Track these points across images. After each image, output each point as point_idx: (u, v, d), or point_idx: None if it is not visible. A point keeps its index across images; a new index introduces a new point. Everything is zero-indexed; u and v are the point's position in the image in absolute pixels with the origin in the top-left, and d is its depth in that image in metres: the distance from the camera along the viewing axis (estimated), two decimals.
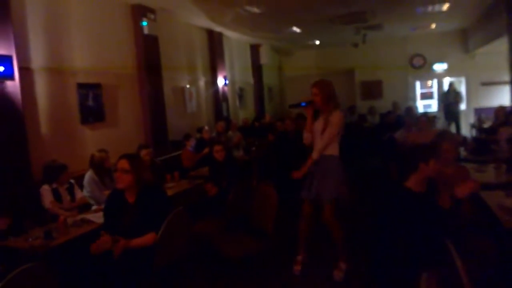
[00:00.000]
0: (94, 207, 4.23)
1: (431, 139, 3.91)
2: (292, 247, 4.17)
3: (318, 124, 3.76)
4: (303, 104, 3.75)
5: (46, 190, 4.03)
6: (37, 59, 4.99)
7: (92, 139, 5.76)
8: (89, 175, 4.60)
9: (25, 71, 4.69)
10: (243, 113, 11.39)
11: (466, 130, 11.27)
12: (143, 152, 5.13)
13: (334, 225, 3.74)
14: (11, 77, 4.29)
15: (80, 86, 5.58)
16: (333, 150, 3.73)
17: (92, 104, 5.77)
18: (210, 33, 9.59)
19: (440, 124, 11.00)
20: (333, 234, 3.78)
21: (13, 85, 4.35)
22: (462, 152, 5.82)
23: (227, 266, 3.95)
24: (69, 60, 5.49)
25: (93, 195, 4.45)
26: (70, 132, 5.48)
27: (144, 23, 6.75)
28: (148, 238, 2.88)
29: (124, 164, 2.94)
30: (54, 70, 5.22)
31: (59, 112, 5.28)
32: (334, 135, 3.67)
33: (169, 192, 4.52)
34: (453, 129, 11.31)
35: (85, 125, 5.68)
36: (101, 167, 4.64)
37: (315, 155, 3.71)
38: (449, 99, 11.57)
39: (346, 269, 3.81)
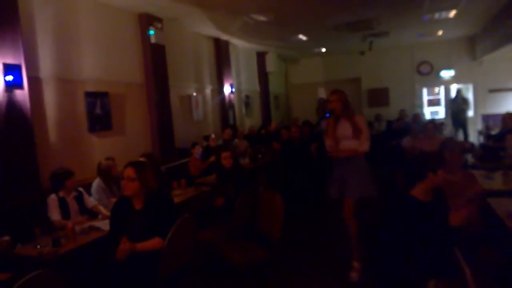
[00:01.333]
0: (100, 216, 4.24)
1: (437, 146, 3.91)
2: (299, 255, 4.15)
3: (343, 129, 3.85)
4: (328, 115, 3.87)
5: (52, 201, 4.00)
6: (46, 68, 5.05)
7: (99, 147, 5.80)
8: (96, 183, 4.65)
9: (33, 80, 4.75)
10: (250, 121, 11.42)
11: (474, 137, 11.21)
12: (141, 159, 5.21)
13: (353, 222, 3.87)
14: (20, 86, 4.34)
15: (88, 94, 5.64)
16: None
17: (100, 112, 5.82)
18: (217, 41, 9.66)
19: (448, 131, 10.94)
20: (351, 231, 3.89)
21: (22, 94, 4.40)
22: (470, 159, 5.78)
23: (233, 273, 3.94)
24: (77, 69, 5.56)
25: (101, 203, 4.47)
26: (78, 140, 5.53)
27: (151, 32, 6.82)
28: (154, 243, 2.89)
29: (130, 172, 2.96)
30: (62, 79, 5.29)
31: (67, 120, 5.33)
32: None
33: (176, 200, 4.52)
34: (460, 136, 11.24)
35: (92, 133, 5.73)
36: (108, 175, 4.68)
37: (366, 146, 3.81)
38: (456, 105, 11.52)
39: (360, 268, 3.85)
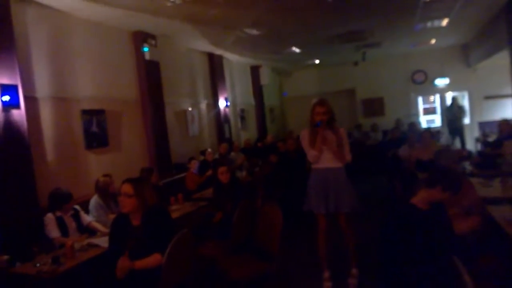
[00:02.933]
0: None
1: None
2: (298, 267, 4.12)
3: (328, 141, 3.84)
4: (318, 124, 3.81)
5: (50, 219, 3.99)
6: (42, 87, 5.08)
7: (96, 164, 5.80)
8: (94, 199, 4.64)
9: (30, 100, 4.78)
10: (245, 134, 11.44)
11: (471, 144, 11.23)
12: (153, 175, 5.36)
13: (350, 232, 3.92)
14: (17, 106, 4.37)
15: (84, 112, 5.66)
16: (343, 162, 3.90)
17: (96, 129, 5.84)
18: (211, 56, 9.72)
19: (444, 139, 10.97)
20: (348, 241, 3.94)
21: (19, 114, 4.42)
22: (468, 166, 5.80)
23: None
24: (73, 87, 5.59)
25: (99, 219, 4.46)
26: (75, 158, 5.53)
27: (146, 49, 6.87)
28: (153, 259, 2.88)
29: (127, 188, 2.95)
30: (58, 98, 5.32)
31: (64, 138, 5.35)
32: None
33: (174, 215, 4.51)
34: (457, 143, 11.26)
35: (89, 150, 5.73)
36: (105, 191, 4.69)
37: (349, 157, 3.86)
38: (452, 113, 11.55)
39: (358, 275, 3.90)
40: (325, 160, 3.86)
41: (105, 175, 4.84)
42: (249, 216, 4.12)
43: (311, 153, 3.87)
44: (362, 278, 3.94)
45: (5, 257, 3.30)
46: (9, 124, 4.30)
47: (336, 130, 3.87)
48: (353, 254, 3.98)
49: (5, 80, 4.26)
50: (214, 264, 3.89)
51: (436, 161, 3.81)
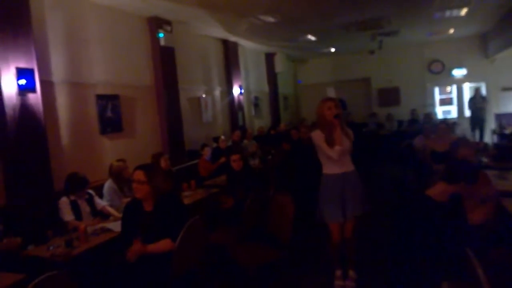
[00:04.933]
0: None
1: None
2: (309, 256, 4.12)
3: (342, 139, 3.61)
4: (337, 116, 3.51)
5: (64, 203, 4.06)
6: (58, 72, 5.12)
7: (110, 149, 5.86)
8: (108, 184, 4.69)
9: (46, 84, 4.82)
10: (259, 122, 11.42)
11: (488, 136, 11.05)
12: (162, 159, 5.29)
13: (354, 238, 3.74)
14: (33, 90, 4.41)
15: (99, 97, 5.70)
16: (352, 165, 3.69)
17: (111, 115, 5.88)
18: (225, 43, 9.68)
19: (460, 130, 10.79)
20: (351, 246, 3.78)
21: (35, 98, 4.46)
22: (484, 159, 5.70)
23: (244, 275, 3.94)
24: (88, 72, 5.62)
25: (113, 204, 4.52)
26: (90, 143, 5.59)
27: (161, 35, 6.86)
28: (164, 244, 2.92)
29: (139, 175, 2.98)
30: (74, 83, 5.36)
31: (79, 123, 5.40)
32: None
33: (186, 201, 4.55)
34: (477, 136, 11.03)
35: (104, 135, 5.78)
36: (119, 176, 4.73)
37: (337, 154, 3.49)
38: (475, 104, 11.25)
39: (356, 278, 3.78)
40: (341, 163, 3.58)
41: (119, 160, 4.88)
42: (261, 204, 4.12)
43: (335, 151, 3.47)
44: (363, 278, 3.84)
45: (18, 239, 3.37)
46: (25, 107, 4.35)
47: (347, 130, 3.61)
48: (353, 259, 3.82)
49: (21, 64, 4.30)
50: (225, 251, 3.92)
51: (452, 152, 3.73)
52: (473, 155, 3.75)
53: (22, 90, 4.29)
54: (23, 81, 4.27)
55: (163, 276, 2.88)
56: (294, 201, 3.78)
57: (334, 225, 3.67)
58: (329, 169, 3.64)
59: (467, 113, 12.00)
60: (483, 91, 12.27)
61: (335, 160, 3.52)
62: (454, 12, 8.37)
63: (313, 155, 3.86)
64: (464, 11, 8.28)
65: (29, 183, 4.35)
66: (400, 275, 2.98)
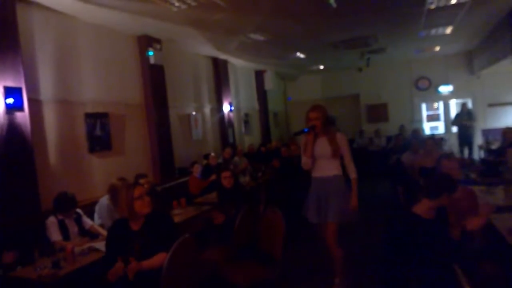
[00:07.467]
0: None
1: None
2: (301, 273, 4.09)
3: (321, 147, 3.78)
4: (306, 130, 3.78)
5: (52, 223, 3.98)
6: (46, 90, 5.10)
7: (99, 168, 5.81)
8: (105, 200, 4.56)
9: (34, 102, 4.79)
10: (249, 139, 11.44)
11: (475, 152, 11.17)
12: (142, 181, 5.13)
13: (335, 244, 3.80)
14: (21, 109, 4.37)
15: (88, 116, 5.68)
16: (339, 170, 3.84)
17: (100, 133, 5.85)
18: (215, 61, 9.75)
19: (448, 146, 10.89)
20: (333, 253, 3.83)
21: (23, 116, 4.43)
22: (471, 174, 5.76)
23: None
24: (77, 90, 5.60)
25: (104, 222, 4.44)
26: (78, 161, 5.53)
27: (150, 53, 6.89)
28: (159, 258, 2.88)
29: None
30: (62, 101, 5.33)
31: (67, 141, 5.35)
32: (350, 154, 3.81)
33: (176, 219, 4.50)
34: (465, 153, 11.04)
35: (92, 153, 5.74)
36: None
37: (354, 174, 3.81)
38: (461, 120, 11.16)
39: (341, 285, 3.83)
40: (320, 168, 3.84)
41: (120, 179, 4.79)
42: (251, 221, 4.10)
43: (302, 160, 3.87)
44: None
45: (12, 253, 3.32)
46: (13, 126, 4.31)
47: (332, 136, 3.79)
48: (338, 266, 3.87)
49: (9, 82, 4.27)
50: (216, 270, 3.87)
51: (438, 167, 3.78)
52: (457, 169, 3.78)
53: (10, 109, 4.26)
54: (10, 100, 4.24)
55: None
56: (285, 217, 3.77)
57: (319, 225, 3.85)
58: (312, 171, 3.91)
59: (454, 129, 12.09)
60: (469, 107, 12.42)
61: (317, 164, 3.81)
62: (440, 30, 8.57)
63: (302, 172, 3.93)
64: (449, 29, 8.48)
65: (16, 202, 4.28)
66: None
